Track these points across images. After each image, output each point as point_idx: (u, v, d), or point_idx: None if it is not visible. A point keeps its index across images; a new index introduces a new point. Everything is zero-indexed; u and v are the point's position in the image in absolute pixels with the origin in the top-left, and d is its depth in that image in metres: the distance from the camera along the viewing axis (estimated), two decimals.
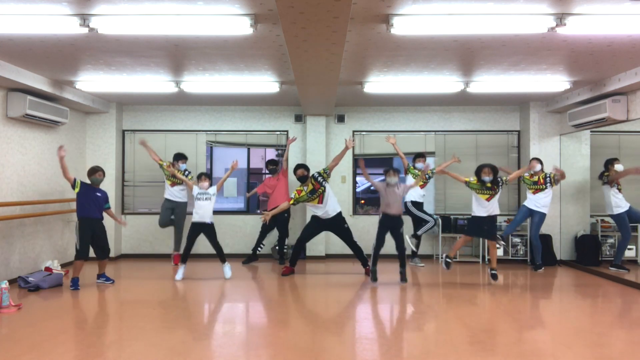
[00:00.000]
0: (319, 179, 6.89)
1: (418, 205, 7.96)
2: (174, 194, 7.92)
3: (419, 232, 7.96)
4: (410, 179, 7.93)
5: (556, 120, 8.51)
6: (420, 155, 8.09)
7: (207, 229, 6.83)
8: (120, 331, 4.58)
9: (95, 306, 5.52)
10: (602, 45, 5.23)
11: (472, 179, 6.53)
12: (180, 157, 7.99)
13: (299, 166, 7.07)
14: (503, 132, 8.96)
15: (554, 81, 6.87)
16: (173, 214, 7.97)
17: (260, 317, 5.15)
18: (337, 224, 7.07)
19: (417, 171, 7.93)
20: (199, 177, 7.02)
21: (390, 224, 6.59)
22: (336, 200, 7.13)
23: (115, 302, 5.73)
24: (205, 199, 6.83)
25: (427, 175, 7.91)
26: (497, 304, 5.56)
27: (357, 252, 7.14)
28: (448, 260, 6.68)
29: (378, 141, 9.02)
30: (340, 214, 7.07)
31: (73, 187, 6.34)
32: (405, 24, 4.39)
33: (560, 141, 8.49)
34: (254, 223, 8.78)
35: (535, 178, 7.83)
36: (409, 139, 8.98)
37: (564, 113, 8.23)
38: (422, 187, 7.96)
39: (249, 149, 9.29)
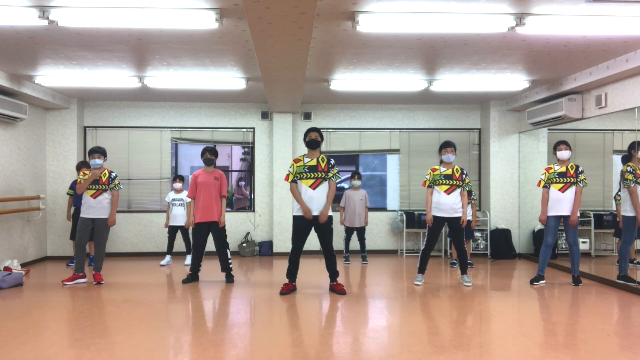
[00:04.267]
0: (331, 164, 5.68)
1: None
2: (93, 207, 6.19)
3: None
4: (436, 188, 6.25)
5: (515, 119, 8.77)
6: (447, 145, 6.28)
7: (182, 230, 7.65)
8: (120, 330, 4.48)
9: (67, 307, 5.37)
10: (559, 45, 5.43)
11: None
12: (92, 151, 6.28)
13: (312, 129, 5.74)
14: (465, 129, 9.17)
15: (513, 80, 7.08)
16: (92, 230, 6.29)
17: (259, 316, 5.04)
18: (322, 224, 5.71)
19: (444, 169, 6.21)
20: (175, 179, 7.73)
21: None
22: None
23: (113, 301, 5.57)
24: (179, 205, 7.55)
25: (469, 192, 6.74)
26: (471, 301, 5.71)
27: (330, 262, 5.81)
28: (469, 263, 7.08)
29: (344, 138, 9.09)
30: (330, 216, 5.76)
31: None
32: (371, 22, 4.46)
33: (519, 139, 8.76)
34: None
35: (563, 168, 6.02)
36: (374, 136, 9.08)
37: (522, 111, 8.49)
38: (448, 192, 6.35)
39: (215, 146, 9.17)
